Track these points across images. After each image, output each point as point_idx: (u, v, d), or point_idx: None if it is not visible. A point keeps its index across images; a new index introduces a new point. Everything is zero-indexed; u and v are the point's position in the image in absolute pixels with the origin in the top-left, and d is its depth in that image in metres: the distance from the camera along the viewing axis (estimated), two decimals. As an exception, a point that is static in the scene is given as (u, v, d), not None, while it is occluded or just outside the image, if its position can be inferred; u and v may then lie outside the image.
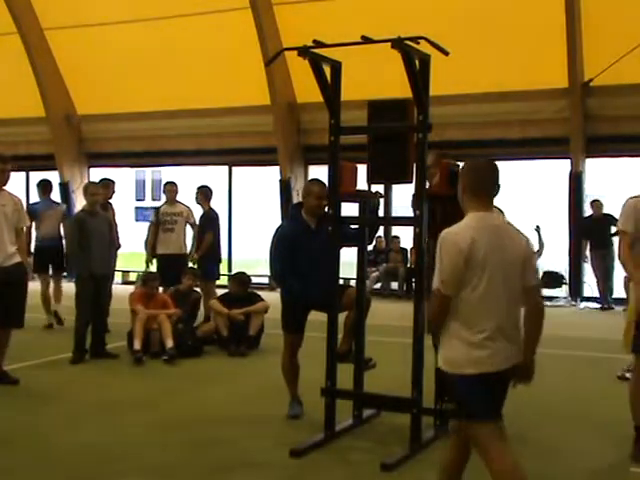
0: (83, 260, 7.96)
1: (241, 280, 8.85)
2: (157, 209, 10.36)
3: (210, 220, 9.97)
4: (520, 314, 3.63)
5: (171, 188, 10.28)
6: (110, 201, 9.89)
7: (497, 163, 3.64)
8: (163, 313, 8.23)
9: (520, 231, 3.62)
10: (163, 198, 10.58)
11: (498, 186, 3.57)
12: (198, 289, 9.54)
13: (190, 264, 9.87)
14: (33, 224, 9.92)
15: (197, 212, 10.15)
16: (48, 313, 9.95)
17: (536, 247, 13.58)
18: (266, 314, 8.45)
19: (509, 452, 3.54)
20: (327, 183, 5.25)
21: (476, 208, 3.50)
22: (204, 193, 10.03)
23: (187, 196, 10.57)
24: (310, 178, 6.37)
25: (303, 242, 5.45)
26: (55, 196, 10.43)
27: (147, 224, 10.42)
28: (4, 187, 6.64)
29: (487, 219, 3.50)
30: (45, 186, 10.29)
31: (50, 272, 10.13)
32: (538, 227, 13.65)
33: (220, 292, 9.46)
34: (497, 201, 3.61)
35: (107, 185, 9.84)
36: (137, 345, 7.82)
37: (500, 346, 3.44)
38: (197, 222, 10.06)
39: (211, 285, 9.85)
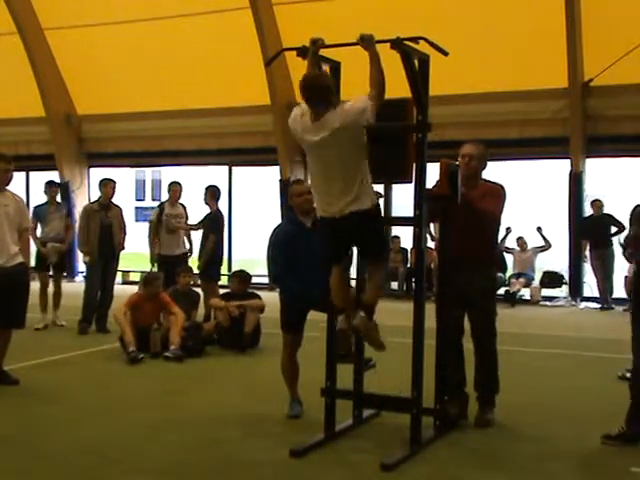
0: None
1: (242, 277, 8.85)
2: (159, 209, 10.32)
3: (215, 221, 9.94)
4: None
5: (175, 188, 10.27)
6: (113, 200, 9.90)
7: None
8: (177, 310, 8.26)
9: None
10: (165, 197, 10.58)
11: (315, 93, 4.52)
12: (198, 289, 9.55)
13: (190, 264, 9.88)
14: (39, 225, 9.99)
15: (204, 212, 10.14)
16: (43, 312, 9.94)
17: (540, 243, 13.73)
18: (262, 314, 8.45)
19: None
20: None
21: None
22: (213, 193, 9.99)
23: (187, 196, 10.56)
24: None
25: (300, 242, 5.46)
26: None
27: (147, 224, 10.42)
28: (7, 187, 6.65)
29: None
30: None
31: (50, 272, 10.16)
32: (539, 228, 13.73)
33: (221, 292, 9.46)
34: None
35: (106, 185, 9.84)
36: (131, 348, 7.79)
37: None
38: (201, 221, 10.06)
39: (212, 285, 9.84)
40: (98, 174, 15.14)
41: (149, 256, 10.22)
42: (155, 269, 9.94)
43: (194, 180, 18.49)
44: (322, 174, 4.68)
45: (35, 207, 10.23)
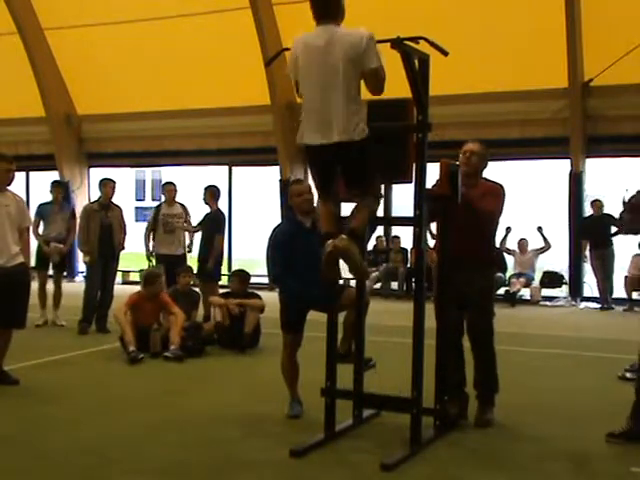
0: None
1: (241, 277, 8.85)
2: (157, 209, 10.34)
3: (217, 221, 9.92)
4: None
5: (170, 188, 10.29)
6: (113, 201, 9.90)
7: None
8: (177, 310, 8.25)
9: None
10: (162, 198, 10.59)
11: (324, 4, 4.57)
12: (197, 289, 9.54)
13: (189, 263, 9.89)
14: (41, 223, 9.99)
15: (204, 212, 10.13)
16: (42, 309, 9.95)
17: (541, 244, 13.71)
18: (262, 314, 8.44)
19: None
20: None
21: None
22: (212, 193, 9.98)
23: (186, 196, 10.56)
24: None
25: (299, 242, 5.45)
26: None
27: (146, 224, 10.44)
28: (8, 187, 6.65)
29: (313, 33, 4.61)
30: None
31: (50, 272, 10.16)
32: (540, 228, 13.73)
33: (220, 292, 9.45)
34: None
35: (105, 185, 9.84)
36: (131, 348, 7.78)
37: None
38: (201, 221, 10.05)
39: (212, 285, 9.83)
40: (98, 174, 15.14)
41: (145, 254, 10.27)
42: (153, 263, 9.97)
43: (194, 180, 18.50)
44: (318, 96, 4.52)
45: (39, 205, 10.25)
